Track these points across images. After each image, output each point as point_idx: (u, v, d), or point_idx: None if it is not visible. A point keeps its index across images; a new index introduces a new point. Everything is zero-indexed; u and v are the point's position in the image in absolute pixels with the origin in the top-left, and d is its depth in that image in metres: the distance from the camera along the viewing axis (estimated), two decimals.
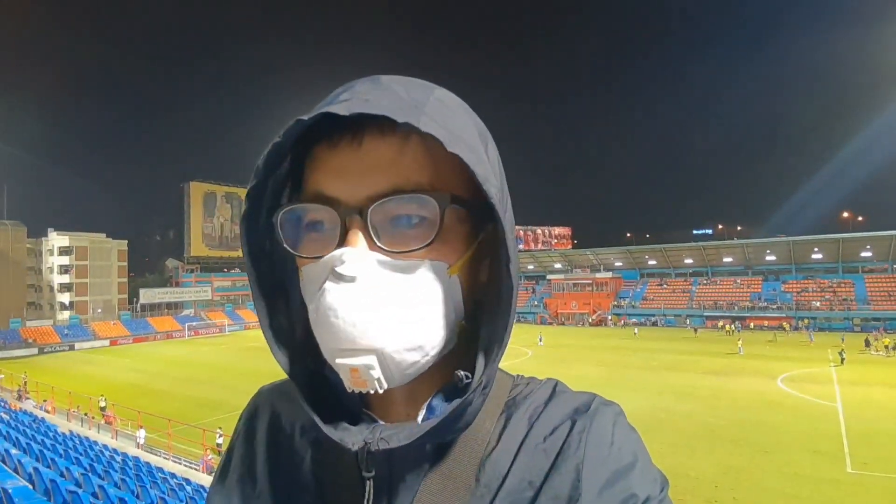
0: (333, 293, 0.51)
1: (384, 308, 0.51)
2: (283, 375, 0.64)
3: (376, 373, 0.51)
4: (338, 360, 0.52)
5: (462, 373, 0.56)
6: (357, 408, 0.60)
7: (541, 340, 41.87)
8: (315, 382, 0.59)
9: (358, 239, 0.51)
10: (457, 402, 0.53)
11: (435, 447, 0.57)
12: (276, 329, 0.60)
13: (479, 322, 0.58)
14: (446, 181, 0.54)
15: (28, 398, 24.20)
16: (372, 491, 0.56)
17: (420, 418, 0.58)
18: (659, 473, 0.57)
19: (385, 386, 0.52)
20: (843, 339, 36.53)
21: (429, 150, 0.53)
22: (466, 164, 0.50)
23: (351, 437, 0.54)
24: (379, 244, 0.52)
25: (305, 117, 0.49)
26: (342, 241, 0.52)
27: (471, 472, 0.57)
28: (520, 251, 67.22)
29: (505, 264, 0.54)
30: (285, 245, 0.55)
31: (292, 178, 0.59)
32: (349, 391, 0.54)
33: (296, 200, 0.55)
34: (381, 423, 0.58)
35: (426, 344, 0.53)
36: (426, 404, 0.59)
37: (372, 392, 0.52)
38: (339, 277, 0.51)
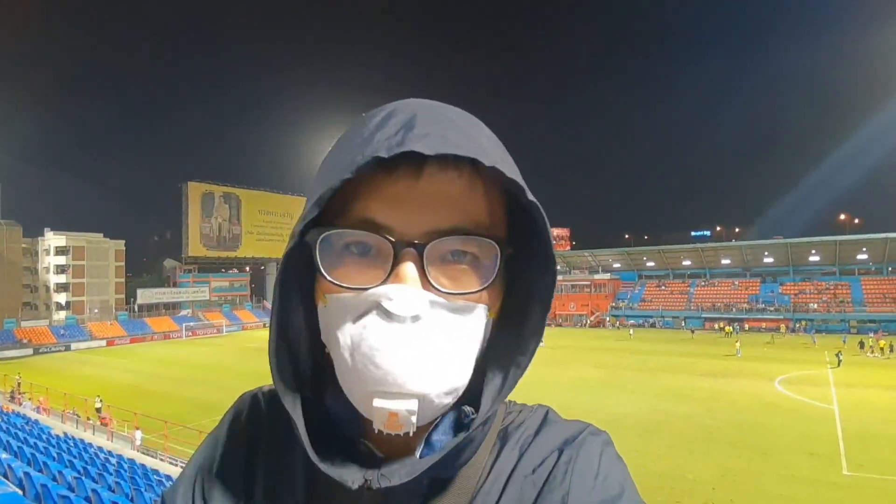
0: (381, 332, 0.48)
1: (436, 353, 0.49)
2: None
3: (415, 417, 0.49)
4: (377, 403, 0.49)
5: (468, 408, 0.56)
6: (354, 438, 0.57)
7: (542, 343, 41.76)
8: (311, 407, 0.56)
9: (411, 275, 0.49)
10: (460, 436, 0.53)
11: (431, 481, 0.56)
12: (282, 358, 0.56)
13: (490, 358, 0.57)
14: (501, 223, 0.54)
15: (26, 399, 24.00)
16: None
17: (418, 453, 0.56)
18: None
19: (415, 429, 0.51)
20: (844, 341, 36.57)
21: (487, 192, 0.52)
22: (538, 214, 0.51)
23: (350, 474, 0.52)
24: (432, 283, 0.50)
25: (385, 155, 0.46)
26: (391, 275, 0.49)
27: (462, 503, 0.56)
28: None
29: (542, 312, 0.55)
30: (321, 269, 0.51)
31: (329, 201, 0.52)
32: (377, 432, 0.51)
33: (338, 225, 0.51)
34: (378, 454, 0.56)
35: (460, 385, 0.52)
36: (424, 437, 0.57)
37: (402, 435, 0.50)
38: (389, 315, 0.48)
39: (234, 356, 39.19)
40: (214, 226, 73.56)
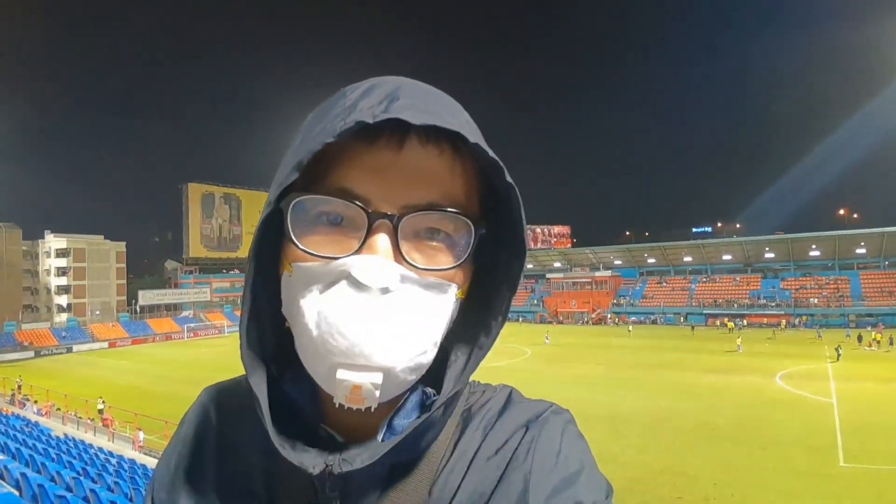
0: (350, 302, 0.47)
1: (404, 327, 0.48)
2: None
3: (378, 391, 0.48)
4: (340, 375, 0.48)
5: (429, 389, 0.55)
6: (315, 422, 0.57)
7: (547, 339, 42.18)
8: (272, 391, 0.54)
9: (384, 247, 0.48)
10: (422, 417, 0.52)
11: (392, 466, 0.55)
12: (251, 332, 0.55)
13: (453, 338, 0.57)
14: (476, 204, 0.54)
15: (32, 401, 23.99)
16: None
17: (380, 436, 0.55)
18: (604, 480, 0.57)
19: (376, 405, 0.50)
20: (847, 335, 36.48)
21: (466, 172, 0.52)
22: (513, 197, 0.51)
23: (311, 459, 0.51)
24: (405, 257, 0.49)
25: (370, 121, 0.46)
26: (363, 246, 0.48)
27: (424, 486, 0.56)
28: None
29: (508, 295, 0.56)
30: (292, 235, 0.49)
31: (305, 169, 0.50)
32: (337, 406, 0.50)
33: (314, 192, 0.49)
34: (339, 439, 0.55)
35: (425, 362, 0.52)
36: (386, 421, 0.56)
37: (364, 410, 0.50)
38: (359, 286, 0.47)
39: (235, 357, 36.89)
40: (215, 226, 73.70)
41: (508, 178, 0.50)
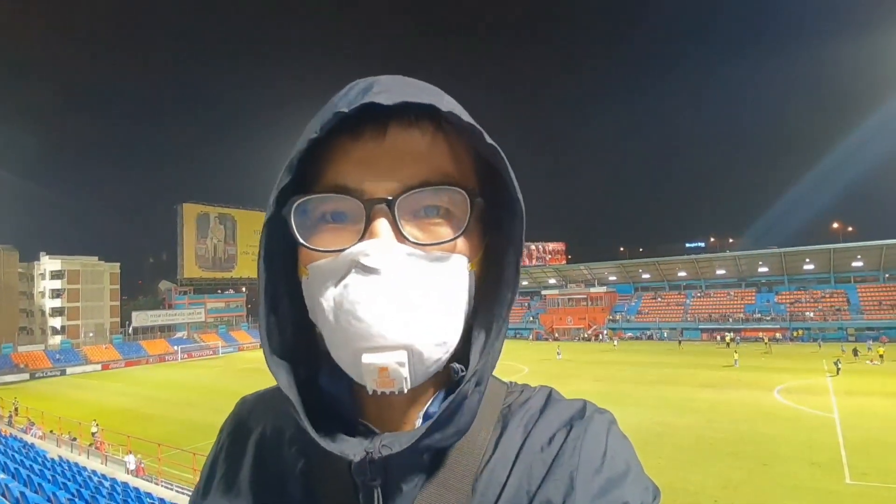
0: (361, 287, 0.49)
1: (415, 301, 0.50)
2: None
3: (405, 371, 0.50)
4: (365, 359, 0.49)
5: (457, 365, 0.56)
6: (353, 418, 0.58)
7: (559, 354, 42.35)
8: (307, 393, 0.56)
9: (384, 230, 0.50)
10: (452, 395, 0.53)
11: (432, 457, 0.56)
12: (273, 338, 0.57)
13: (475, 315, 0.58)
14: (470, 176, 0.55)
15: (35, 425, 23.62)
16: (380, 499, 0.54)
17: (418, 424, 0.57)
18: (651, 482, 0.58)
19: (409, 386, 0.51)
20: (843, 350, 36.19)
21: (451, 145, 0.54)
22: (497, 158, 0.52)
23: (351, 448, 0.53)
24: (406, 236, 0.51)
25: (346, 109, 0.48)
26: (365, 234, 0.51)
27: (467, 482, 0.56)
28: None
29: (514, 259, 0.56)
30: (298, 238, 0.52)
31: (299, 173, 0.54)
32: (370, 393, 0.52)
33: (311, 194, 0.53)
34: (378, 433, 0.56)
35: (449, 339, 0.53)
36: (423, 412, 0.58)
37: (397, 393, 0.51)
38: (367, 270, 0.49)
39: (230, 377, 38.83)
40: (210, 247, 73.54)
41: (489, 140, 0.51)
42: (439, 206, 0.53)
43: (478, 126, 0.51)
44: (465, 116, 0.51)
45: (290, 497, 0.60)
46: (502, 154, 0.52)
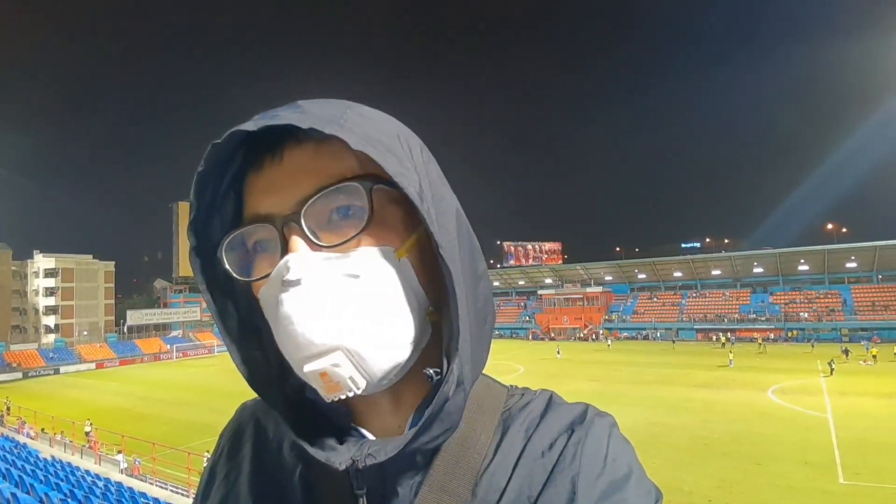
0: (286, 302, 0.50)
1: (337, 303, 0.50)
2: None
3: (346, 371, 0.50)
4: (306, 369, 0.50)
5: (430, 370, 0.55)
6: (345, 424, 0.59)
7: (559, 353, 42.48)
8: (299, 406, 0.58)
9: (298, 244, 0.51)
10: (433, 403, 0.52)
11: (428, 460, 0.56)
12: (250, 362, 0.59)
13: (441, 318, 0.57)
14: (369, 171, 0.53)
15: (27, 425, 23.45)
16: None
17: (406, 429, 0.57)
18: (653, 486, 0.57)
19: (361, 385, 0.51)
20: (843, 351, 35.91)
21: (346, 149, 0.51)
22: (367, 154, 0.50)
23: (338, 456, 0.53)
24: (318, 242, 0.52)
25: (218, 140, 0.51)
26: (284, 252, 0.52)
27: (467, 486, 0.56)
28: (510, 267, 66.43)
29: (437, 251, 0.52)
30: (234, 275, 0.54)
31: (225, 212, 0.58)
32: (328, 401, 0.53)
33: (231, 232, 0.55)
34: (370, 437, 0.57)
35: (397, 335, 0.53)
36: (412, 415, 0.58)
37: (350, 394, 0.51)
38: (290, 283, 0.50)
39: (224, 377, 38.62)
40: None
41: (355, 147, 0.49)
42: (344, 206, 0.53)
43: (340, 135, 0.49)
44: (330, 129, 0.49)
45: (288, 500, 0.60)
46: (374, 155, 0.50)
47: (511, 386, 0.67)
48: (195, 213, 0.55)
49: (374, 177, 0.53)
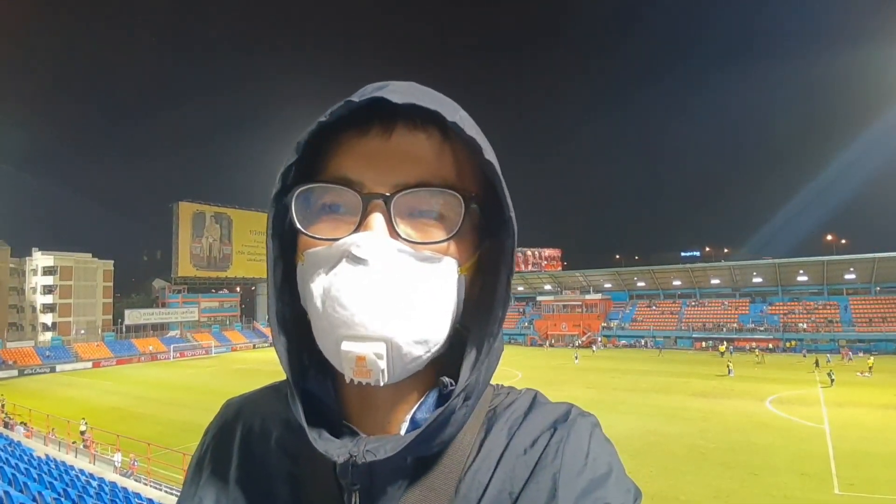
0: (349, 275, 0.51)
1: (400, 295, 0.51)
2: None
3: (383, 363, 0.51)
4: (344, 346, 0.50)
5: (446, 379, 0.57)
6: (337, 419, 0.59)
7: (577, 359, 42.94)
8: (298, 392, 0.57)
9: (379, 224, 0.52)
10: (440, 409, 0.53)
11: (416, 460, 0.57)
12: (280, 318, 0.59)
13: (467, 331, 0.59)
14: (469, 186, 0.56)
15: (19, 423, 23.41)
16: (358, 502, 0.55)
17: (403, 431, 0.58)
18: (632, 484, 0.58)
19: (386, 380, 0.52)
20: (828, 360, 36.58)
21: (455, 154, 0.55)
22: (494, 175, 0.54)
23: (335, 448, 0.53)
24: (400, 233, 0.52)
25: (356, 99, 0.51)
26: (360, 226, 0.52)
27: (451, 483, 0.56)
28: None
29: (506, 277, 0.57)
30: (297, 224, 0.54)
31: (303, 164, 0.56)
32: (348, 381, 0.53)
33: (313, 182, 0.55)
34: (363, 435, 0.57)
35: (431, 339, 0.53)
36: (409, 416, 0.58)
37: (373, 384, 0.52)
38: (357, 260, 0.50)
39: (221, 378, 38.60)
40: (205, 246, 73.17)
41: (487, 156, 0.53)
42: (434, 208, 0.54)
43: (479, 141, 0.52)
44: (469, 130, 0.52)
45: (276, 498, 0.60)
46: (499, 171, 0.54)
47: (497, 385, 0.68)
48: (296, 160, 0.54)
49: (469, 193, 0.55)
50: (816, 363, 36.53)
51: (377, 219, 0.52)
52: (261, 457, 0.64)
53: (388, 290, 0.50)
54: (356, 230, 0.52)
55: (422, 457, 0.57)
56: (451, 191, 0.53)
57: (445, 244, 0.54)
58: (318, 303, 0.52)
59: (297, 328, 0.59)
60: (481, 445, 0.59)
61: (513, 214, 0.55)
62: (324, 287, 0.52)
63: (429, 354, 0.54)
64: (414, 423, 0.57)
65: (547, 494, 0.54)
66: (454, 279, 0.55)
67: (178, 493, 0.68)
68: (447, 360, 0.58)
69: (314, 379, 0.59)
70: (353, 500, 0.55)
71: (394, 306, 0.50)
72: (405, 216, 0.53)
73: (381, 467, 0.54)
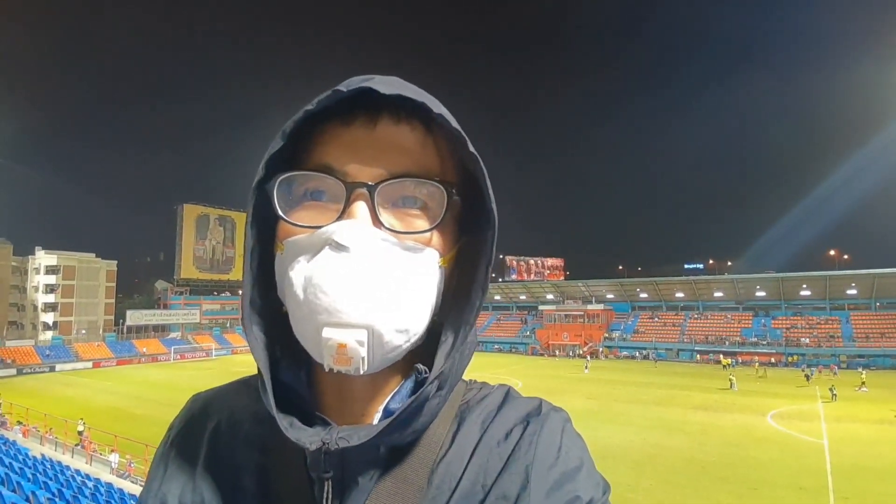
0: (331, 263, 0.51)
1: (382, 284, 0.51)
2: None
3: (363, 351, 0.51)
4: (325, 333, 0.50)
5: (421, 366, 0.58)
6: (310, 410, 0.58)
7: (587, 369, 43.11)
8: (270, 382, 0.56)
9: (362, 213, 0.52)
10: (414, 396, 0.54)
11: (389, 451, 0.57)
12: (254, 307, 0.58)
13: (444, 319, 0.60)
14: (450, 178, 0.57)
15: (13, 424, 23.36)
16: (330, 492, 0.54)
17: (376, 421, 0.58)
18: (602, 478, 0.59)
19: (366, 368, 0.52)
20: (835, 374, 36.50)
21: (439, 147, 0.57)
22: (477, 166, 0.55)
23: (307, 437, 0.53)
24: (383, 222, 0.53)
25: (344, 89, 0.51)
26: (343, 214, 0.52)
27: (423, 475, 0.57)
28: (512, 281, 65.78)
29: (485, 267, 0.58)
30: (278, 211, 0.54)
31: (285, 153, 0.56)
32: (327, 370, 0.52)
33: (296, 170, 0.55)
34: (335, 425, 0.57)
35: (412, 328, 0.54)
36: (383, 407, 0.59)
37: (353, 373, 0.52)
38: (340, 248, 0.51)
39: (221, 380, 36.07)
40: (208, 248, 73.42)
41: (471, 149, 0.54)
42: (417, 199, 0.55)
43: (463, 133, 0.53)
44: (454, 123, 0.54)
45: (245, 491, 0.60)
46: (482, 164, 0.55)
47: (470, 380, 0.69)
48: (280, 148, 0.54)
49: (451, 184, 0.55)
50: (807, 377, 37.11)
51: (360, 207, 0.52)
52: (228, 449, 0.63)
53: (371, 278, 0.50)
54: (339, 218, 0.52)
55: (394, 448, 0.57)
56: (434, 182, 0.54)
57: (428, 235, 0.55)
58: (299, 290, 0.52)
59: (269, 318, 0.59)
60: (454, 438, 0.60)
61: (494, 206, 0.56)
62: (305, 275, 0.52)
63: (408, 344, 0.54)
64: (388, 413, 0.57)
65: (519, 486, 0.55)
66: (436, 269, 0.56)
67: None
68: (422, 351, 0.58)
69: (287, 369, 0.59)
70: (325, 490, 0.54)
71: (376, 294, 0.50)
72: (388, 206, 0.54)
73: (352, 457, 0.54)
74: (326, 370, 0.52)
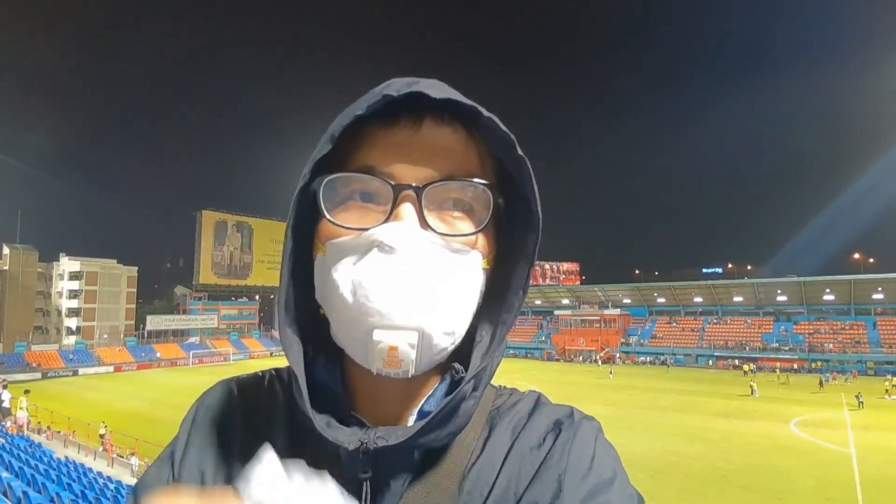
0: (381, 265, 0.50)
1: (431, 287, 0.51)
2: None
3: (414, 353, 0.51)
4: (376, 335, 0.50)
5: (458, 365, 0.58)
6: (345, 411, 0.58)
7: (611, 374, 42.85)
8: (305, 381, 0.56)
9: (409, 215, 0.52)
10: (450, 396, 0.53)
11: (421, 456, 0.57)
12: (289, 311, 0.58)
13: (479, 320, 0.59)
14: (491, 180, 0.57)
15: (34, 425, 23.79)
16: (369, 492, 0.54)
17: (411, 422, 0.58)
18: (635, 491, 0.58)
19: (414, 371, 0.52)
20: (846, 380, 35.77)
21: (482, 150, 0.57)
22: (524, 169, 0.55)
23: (345, 436, 0.53)
24: (430, 225, 0.53)
25: (394, 93, 0.51)
26: (390, 216, 0.52)
27: (454, 481, 0.56)
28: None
29: (526, 269, 0.58)
30: (324, 212, 0.54)
31: (329, 156, 0.55)
32: (376, 374, 0.52)
33: (342, 171, 0.55)
34: (370, 426, 0.56)
35: (457, 330, 0.54)
36: (417, 409, 0.59)
37: (402, 375, 0.52)
38: (389, 250, 0.50)
39: None
40: (226, 254, 74.27)
41: (520, 151, 0.54)
42: (463, 201, 0.55)
43: (511, 136, 0.53)
44: (502, 126, 0.54)
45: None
46: (528, 166, 0.55)
47: (500, 386, 0.68)
48: (328, 152, 0.54)
49: (496, 188, 0.56)
50: (821, 383, 36.56)
51: (408, 209, 0.52)
52: (261, 436, 0.58)
53: (420, 280, 0.50)
54: (386, 220, 0.52)
55: (426, 452, 0.56)
56: (480, 184, 0.54)
57: (473, 237, 0.55)
58: (346, 293, 0.51)
59: (303, 320, 0.59)
60: (485, 444, 0.59)
61: (539, 210, 0.56)
62: (353, 277, 0.51)
63: (453, 346, 0.55)
64: (422, 415, 0.57)
65: (552, 494, 0.54)
66: (480, 272, 0.56)
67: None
68: (456, 352, 0.57)
69: (322, 369, 0.59)
70: (364, 490, 0.54)
71: (425, 297, 0.50)
72: (434, 208, 0.54)
73: (386, 460, 0.53)
74: (375, 374, 0.52)
